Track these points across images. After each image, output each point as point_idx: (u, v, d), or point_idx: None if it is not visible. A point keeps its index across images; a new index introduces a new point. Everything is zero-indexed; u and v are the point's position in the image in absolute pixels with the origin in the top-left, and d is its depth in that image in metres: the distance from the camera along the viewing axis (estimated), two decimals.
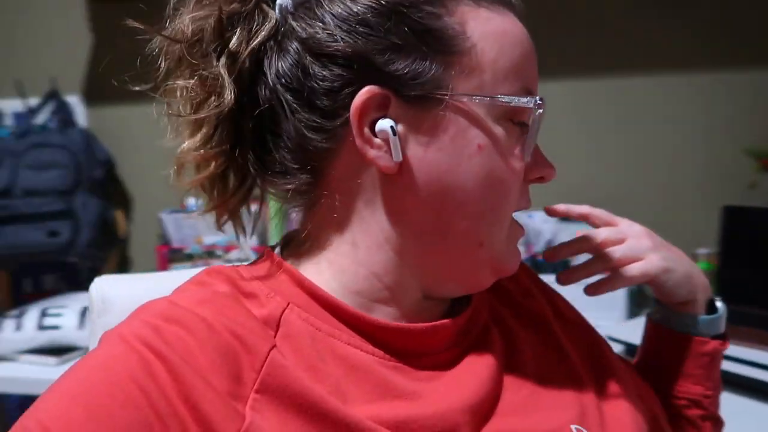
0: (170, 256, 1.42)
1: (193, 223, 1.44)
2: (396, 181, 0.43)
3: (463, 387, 0.44)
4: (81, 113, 1.68)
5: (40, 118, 1.62)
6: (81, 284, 1.66)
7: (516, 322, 0.52)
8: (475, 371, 0.45)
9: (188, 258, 1.42)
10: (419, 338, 0.45)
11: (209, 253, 1.41)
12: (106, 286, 0.63)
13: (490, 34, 0.43)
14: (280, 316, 0.42)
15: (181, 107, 0.44)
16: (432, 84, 0.42)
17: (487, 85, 0.42)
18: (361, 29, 0.41)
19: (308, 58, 0.42)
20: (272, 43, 0.44)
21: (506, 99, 0.43)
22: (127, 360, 0.37)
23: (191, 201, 1.50)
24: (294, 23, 0.43)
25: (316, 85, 0.42)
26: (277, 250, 0.48)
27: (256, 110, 0.44)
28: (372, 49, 0.41)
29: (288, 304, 0.42)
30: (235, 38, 0.43)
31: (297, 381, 0.38)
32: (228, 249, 1.41)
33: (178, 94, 0.44)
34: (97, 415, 0.35)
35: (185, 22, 0.43)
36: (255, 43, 0.43)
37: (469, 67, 0.42)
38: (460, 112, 0.42)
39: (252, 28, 0.43)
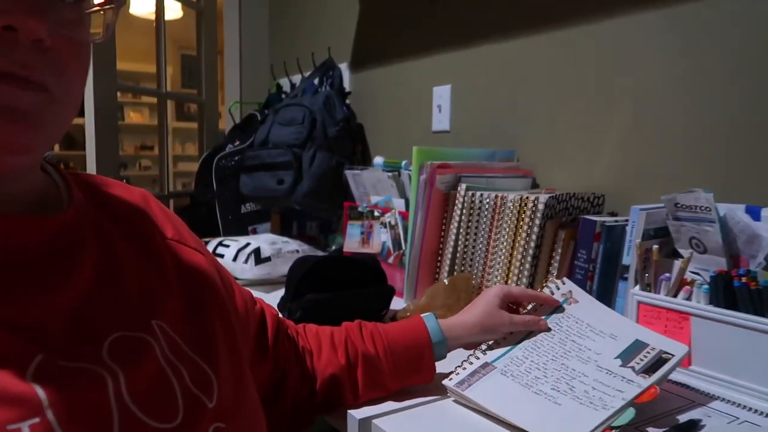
0: (350, 213, 1.41)
1: (366, 181, 1.39)
2: None
3: (49, 284, 0.44)
4: (347, 78, 1.83)
5: (321, 85, 1.84)
6: (334, 231, 1.83)
7: (119, 235, 0.53)
8: (64, 270, 0.45)
9: (359, 216, 1.38)
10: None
11: (371, 213, 1.35)
12: None
13: None
14: None
15: None
16: None
17: None
18: None
19: None
20: None
21: None
22: None
23: (378, 159, 1.45)
24: None
25: None
26: None
27: None
28: None
29: None
30: None
31: None
32: (385, 211, 1.31)
33: None
34: None
35: None
36: None
37: None
38: None
39: None
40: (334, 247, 1.61)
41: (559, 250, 0.95)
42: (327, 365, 0.70)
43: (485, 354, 0.74)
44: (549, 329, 0.77)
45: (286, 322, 0.74)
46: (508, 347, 0.75)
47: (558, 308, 0.80)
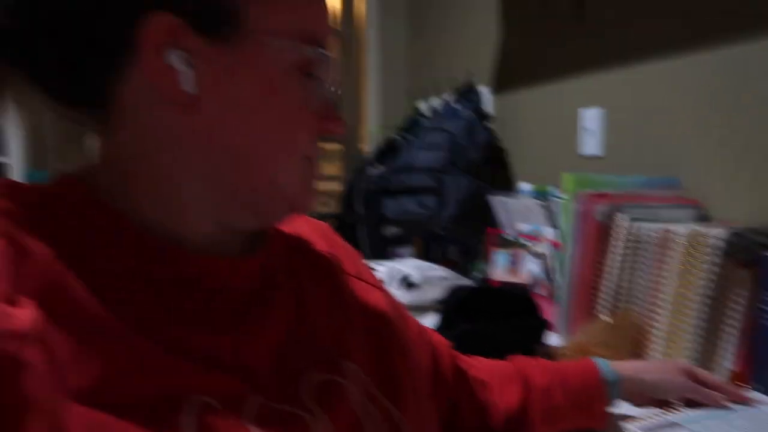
0: (495, 240, 1.40)
1: (514, 208, 1.36)
2: (189, 114, 0.43)
3: (253, 326, 0.46)
4: (489, 101, 1.82)
5: (462, 109, 1.85)
6: (475, 257, 1.83)
7: (308, 274, 0.54)
8: (266, 311, 0.48)
9: (506, 244, 1.36)
10: (217, 269, 0.46)
11: (519, 241, 1.32)
12: None
13: None
14: (68, 232, 0.41)
15: None
16: (227, 21, 0.43)
17: (282, 32, 0.44)
18: None
19: None
20: None
21: (300, 48, 0.45)
22: None
23: (525, 186, 1.43)
24: None
25: (103, 5, 0.41)
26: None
27: (40, 24, 0.42)
28: None
29: (78, 222, 0.42)
30: None
31: (80, 295, 0.38)
32: (534, 239, 1.28)
33: None
34: None
35: None
36: None
37: (266, 12, 0.44)
38: (255, 54, 0.44)
39: None
40: (477, 274, 1.60)
41: (740, 293, 0.87)
42: (502, 398, 0.69)
43: (672, 415, 0.70)
44: (748, 402, 0.70)
45: (454, 351, 0.73)
46: (700, 413, 0.69)
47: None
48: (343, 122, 0.51)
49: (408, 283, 1.35)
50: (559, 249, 1.19)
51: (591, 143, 1.42)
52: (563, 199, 1.16)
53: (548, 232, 1.25)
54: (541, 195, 1.31)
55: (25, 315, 0.35)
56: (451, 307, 1.04)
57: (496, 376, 0.71)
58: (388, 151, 2.05)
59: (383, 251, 1.96)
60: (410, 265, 1.44)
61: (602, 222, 1.08)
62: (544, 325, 1.03)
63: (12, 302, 0.36)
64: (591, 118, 1.41)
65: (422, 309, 1.34)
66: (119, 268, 0.42)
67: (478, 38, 1.90)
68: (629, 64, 1.32)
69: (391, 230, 1.97)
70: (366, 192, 1.93)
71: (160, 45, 0.41)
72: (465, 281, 1.52)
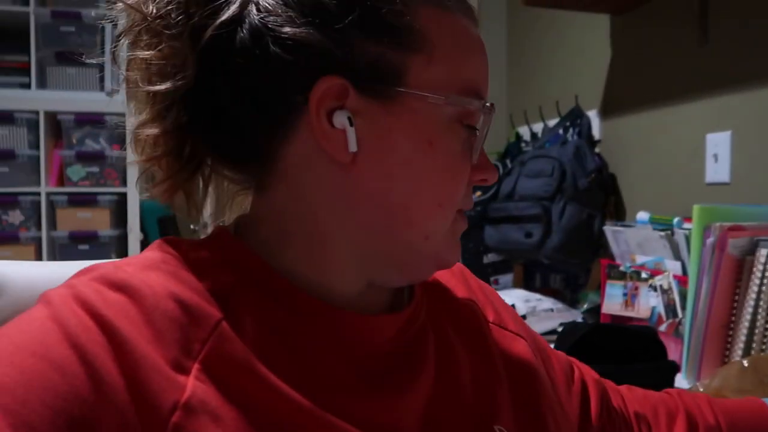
0: (609, 271, 1.33)
1: (631, 239, 1.29)
2: (349, 171, 0.43)
3: (403, 384, 0.44)
4: (596, 126, 1.75)
5: (568, 134, 1.79)
6: (579, 289, 1.75)
7: (451, 325, 0.52)
8: (413, 368, 0.46)
9: (621, 276, 1.29)
10: (367, 327, 0.45)
11: (637, 273, 1.24)
12: None
13: (450, 39, 0.44)
14: (229, 291, 0.41)
15: (139, 80, 0.43)
16: (390, 79, 0.42)
17: (443, 86, 0.43)
18: (323, 16, 0.41)
19: (268, 40, 0.41)
20: (236, 21, 0.42)
21: (460, 101, 0.44)
22: (65, 322, 0.36)
23: (642, 215, 1.35)
24: (258, 3, 0.42)
25: (273, 69, 0.42)
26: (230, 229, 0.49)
27: (212, 89, 0.43)
28: (333, 38, 0.41)
29: (237, 279, 0.42)
30: (201, 13, 0.41)
31: (242, 356, 0.38)
32: (654, 273, 1.20)
33: (137, 66, 0.43)
34: (29, 378, 0.33)
35: None
36: (220, 20, 0.41)
37: (428, 66, 0.43)
38: (416, 109, 0.43)
39: (219, 4, 0.42)
40: (586, 306, 1.53)
41: None
42: None
43: None
44: None
45: (606, 383, 0.67)
46: None
47: None
48: (497, 171, 0.49)
49: None
50: (685, 284, 1.11)
51: (716, 169, 1.32)
52: (691, 231, 1.08)
53: (671, 266, 1.17)
54: (661, 225, 1.23)
55: (191, 383, 0.36)
56: (568, 344, 0.99)
57: (657, 410, 0.64)
58: None
59: (482, 279, 1.91)
60: (515, 296, 1.39)
61: (738, 257, 1.00)
62: (676, 369, 0.96)
63: (181, 368, 0.36)
64: (716, 143, 1.32)
65: None
66: (274, 325, 0.42)
67: (584, 61, 1.84)
68: (758, 85, 1.22)
69: (489, 258, 1.92)
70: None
71: (328, 107, 0.42)
72: (573, 312, 1.46)
